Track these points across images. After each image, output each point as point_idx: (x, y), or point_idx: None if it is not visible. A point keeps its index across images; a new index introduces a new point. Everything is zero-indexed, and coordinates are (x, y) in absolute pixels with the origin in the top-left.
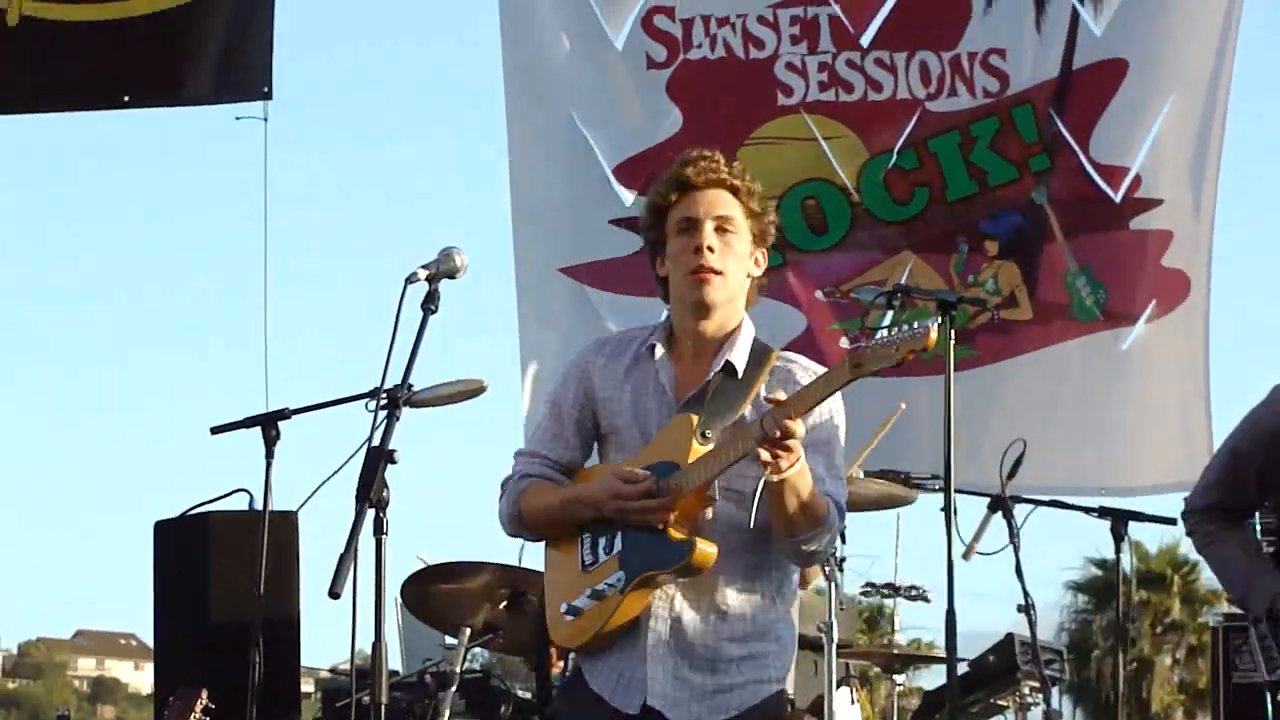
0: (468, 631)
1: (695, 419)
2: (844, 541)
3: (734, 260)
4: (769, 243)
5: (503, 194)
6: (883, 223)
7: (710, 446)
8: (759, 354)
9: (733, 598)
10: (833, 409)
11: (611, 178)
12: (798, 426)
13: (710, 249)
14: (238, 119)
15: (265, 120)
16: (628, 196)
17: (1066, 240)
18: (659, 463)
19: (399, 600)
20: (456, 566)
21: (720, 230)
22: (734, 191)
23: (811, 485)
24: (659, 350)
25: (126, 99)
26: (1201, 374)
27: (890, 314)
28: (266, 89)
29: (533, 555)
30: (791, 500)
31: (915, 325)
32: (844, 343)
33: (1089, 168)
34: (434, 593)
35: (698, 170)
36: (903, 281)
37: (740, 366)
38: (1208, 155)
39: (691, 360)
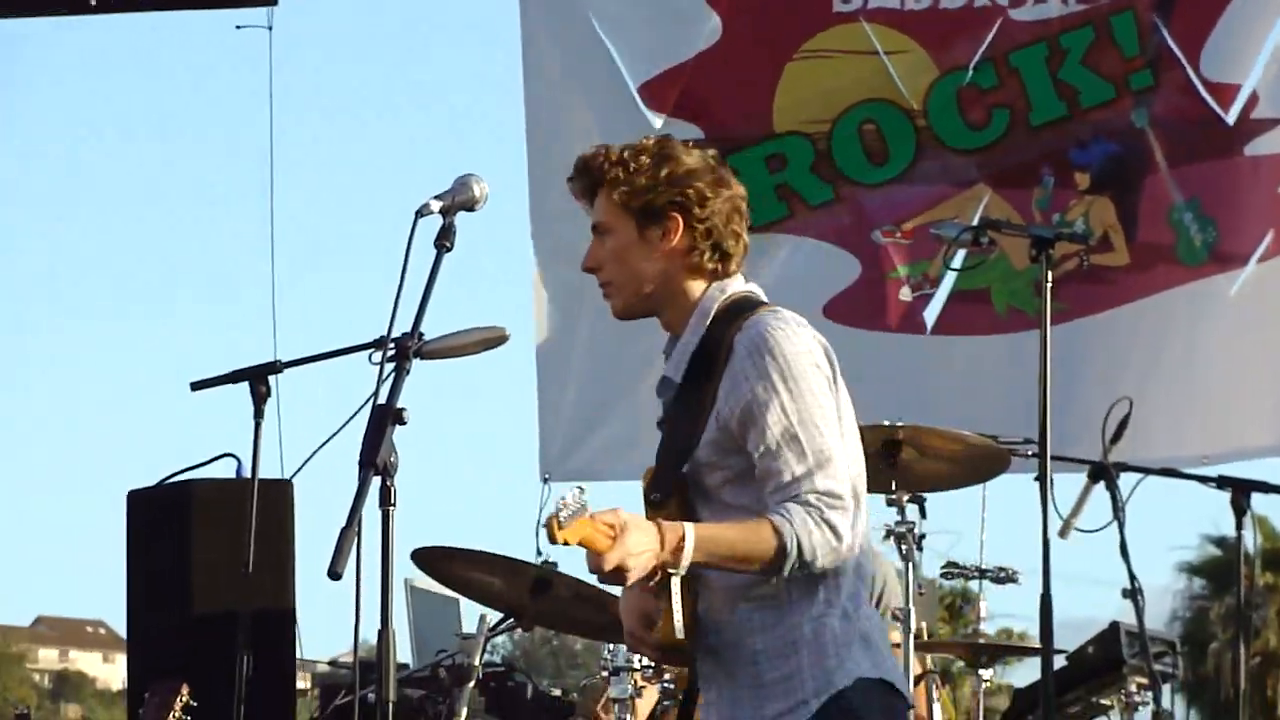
0: (487, 619)
1: (648, 474)
2: (923, 516)
3: (613, 259)
4: (662, 199)
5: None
6: (954, 151)
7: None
8: (712, 343)
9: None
10: (758, 372)
11: (637, 97)
12: (611, 558)
13: (591, 266)
14: (239, 28)
15: (270, 29)
16: (656, 120)
17: (1171, 170)
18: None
19: (409, 583)
20: (476, 555)
21: (598, 235)
22: (598, 183)
23: (725, 538)
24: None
25: (94, 3)
26: None
27: (962, 253)
28: None
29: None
30: (717, 567)
31: None
32: (905, 293)
33: (1199, 85)
34: (451, 568)
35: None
36: (975, 220)
37: (678, 375)
38: None
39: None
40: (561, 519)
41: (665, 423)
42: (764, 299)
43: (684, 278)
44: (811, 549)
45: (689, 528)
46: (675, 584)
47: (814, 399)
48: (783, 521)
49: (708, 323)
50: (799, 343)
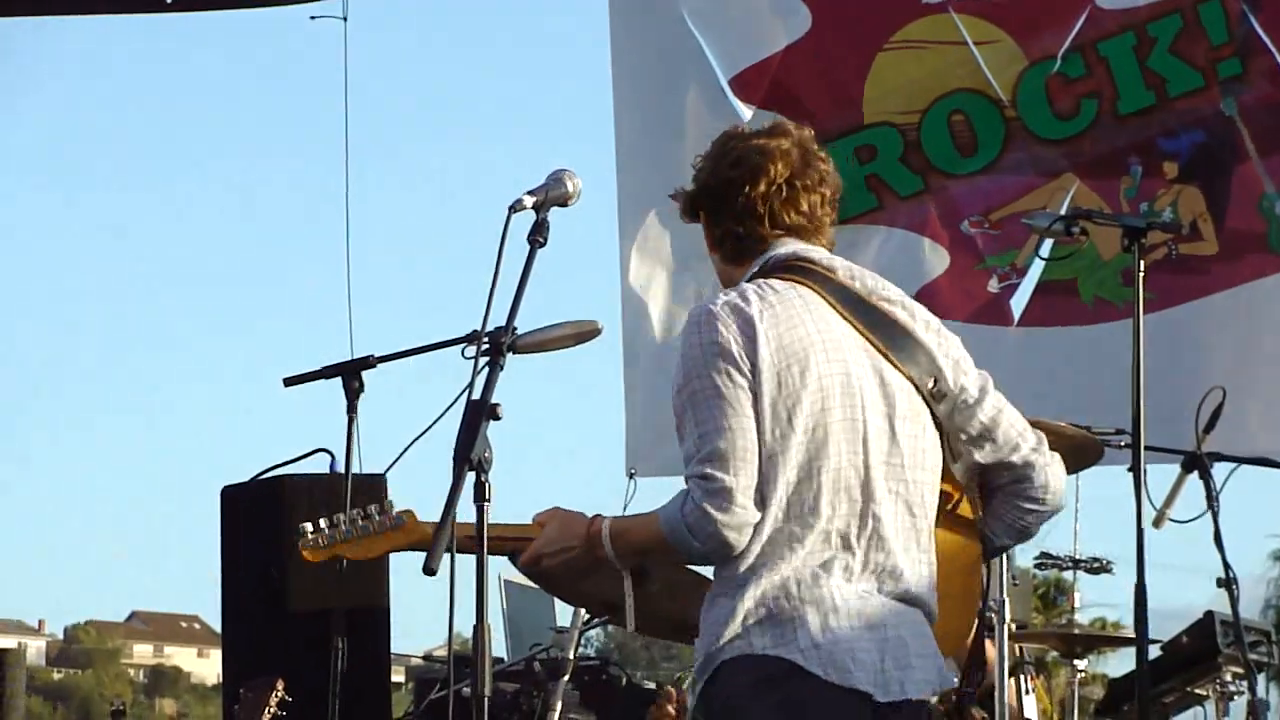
0: (581, 613)
1: None
2: None
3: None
4: (688, 201)
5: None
6: (1042, 141)
7: None
8: None
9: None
10: (677, 358)
11: (728, 90)
12: (527, 553)
13: None
14: (313, 19)
15: (345, 20)
16: (746, 112)
17: (1262, 159)
18: None
19: (502, 576)
20: None
21: None
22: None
23: (629, 526)
24: None
25: (169, 1)
26: None
27: (1050, 243)
28: None
29: None
30: (642, 556)
31: None
32: (993, 284)
33: None
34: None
35: None
36: (1063, 210)
37: None
38: None
39: None
40: (311, 539)
41: None
42: (793, 258)
43: (730, 270)
44: (685, 533)
45: (605, 520)
46: (625, 578)
47: (706, 382)
48: (664, 507)
49: None
50: (711, 323)
